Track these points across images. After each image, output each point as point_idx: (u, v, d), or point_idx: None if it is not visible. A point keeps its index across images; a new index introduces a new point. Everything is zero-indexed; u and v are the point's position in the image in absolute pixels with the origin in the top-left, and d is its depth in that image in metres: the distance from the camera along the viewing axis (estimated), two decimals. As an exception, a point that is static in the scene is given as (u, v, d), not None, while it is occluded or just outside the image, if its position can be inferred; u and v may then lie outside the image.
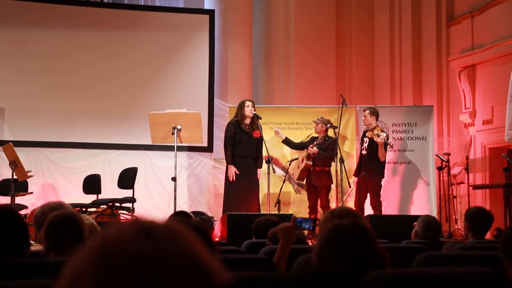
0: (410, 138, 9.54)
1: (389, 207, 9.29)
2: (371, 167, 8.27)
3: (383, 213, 8.38)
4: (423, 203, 9.34)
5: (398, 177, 9.46)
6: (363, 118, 8.55)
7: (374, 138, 8.16)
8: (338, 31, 11.39)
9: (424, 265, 2.58)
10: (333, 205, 8.65)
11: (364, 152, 8.24)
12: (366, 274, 1.31)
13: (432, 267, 2.46)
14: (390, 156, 9.46)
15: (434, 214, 8.86)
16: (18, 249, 2.27)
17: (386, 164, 8.55)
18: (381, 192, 8.47)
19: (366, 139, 8.31)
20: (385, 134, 8.22)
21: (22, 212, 8.10)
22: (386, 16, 11.15)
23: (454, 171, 9.69)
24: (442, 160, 9.33)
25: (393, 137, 9.51)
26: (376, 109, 8.63)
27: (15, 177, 7.77)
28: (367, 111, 8.47)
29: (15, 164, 7.66)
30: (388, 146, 8.16)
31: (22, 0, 9.84)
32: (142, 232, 0.88)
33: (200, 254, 0.89)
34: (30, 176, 8.02)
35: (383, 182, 8.57)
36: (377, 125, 8.53)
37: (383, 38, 11.22)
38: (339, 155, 8.23)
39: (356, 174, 8.38)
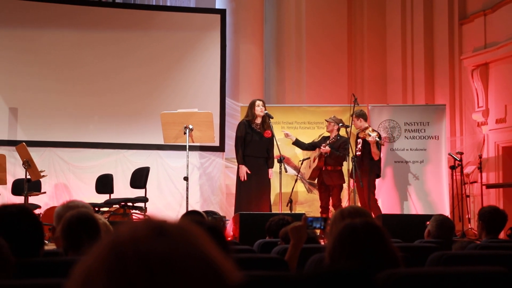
0: (422, 137, 9.50)
1: (400, 207, 9.27)
2: (365, 166, 8.33)
3: (382, 212, 8.35)
4: (435, 202, 9.29)
5: (410, 176, 9.41)
6: (351, 126, 8.50)
7: (366, 138, 8.23)
8: (350, 30, 11.36)
9: (437, 265, 2.56)
10: (345, 204, 8.63)
11: (358, 153, 8.26)
12: (379, 273, 1.30)
13: (445, 267, 2.44)
14: (403, 154, 9.43)
15: (447, 213, 8.82)
16: (33, 248, 2.29)
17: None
18: (375, 191, 8.49)
19: (359, 140, 8.37)
20: (376, 133, 8.28)
21: (36, 211, 8.14)
22: (398, 15, 11.11)
23: (467, 170, 9.64)
24: (455, 159, 9.28)
25: (405, 136, 9.48)
26: (362, 111, 8.63)
27: (28, 177, 7.81)
28: (353, 116, 8.49)
29: (28, 164, 7.70)
30: (381, 145, 8.30)
31: (35, 1, 9.89)
32: (155, 231, 0.88)
33: (212, 253, 0.89)
34: (43, 176, 8.07)
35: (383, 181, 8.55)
36: (369, 126, 8.59)
37: (395, 37, 11.18)
38: (351, 155, 8.21)
39: (352, 175, 8.36)
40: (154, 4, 11.56)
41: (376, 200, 8.47)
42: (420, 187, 9.39)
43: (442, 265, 2.57)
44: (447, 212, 8.89)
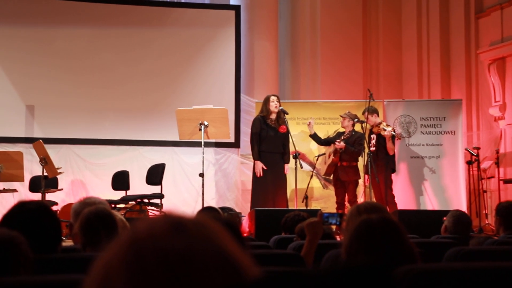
0: (439, 132, 9.45)
1: (416, 203, 9.23)
2: (380, 161, 8.28)
3: (398, 207, 8.31)
4: (452, 198, 9.24)
5: (426, 172, 9.37)
6: (366, 122, 8.39)
7: (381, 132, 8.20)
8: (365, 25, 11.31)
9: (455, 261, 2.55)
10: (360, 200, 8.60)
11: (373, 148, 8.21)
12: (397, 269, 1.30)
13: (463, 262, 2.43)
14: (419, 150, 9.38)
15: (464, 209, 8.77)
16: (51, 245, 2.31)
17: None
18: (392, 186, 8.45)
19: (373, 136, 8.31)
20: (390, 128, 8.24)
21: (53, 208, 8.20)
22: (413, 9, 11.04)
23: (484, 165, 9.57)
24: (472, 155, 9.22)
25: (421, 131, 9.43)
26: (373, 106, 8.49)
27: (45, 174, 7.87)
28: (367, 113, 8.36)
29: (45, 161, 7.76)
30: (396, 138, 8.23)
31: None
32: (173, 227, 0.89)
33: (230, 248, 0.89)
34: (60, 172, 8.12)
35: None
36: (382, 121, 8.55)
37: (410, 31, 11.11)
38: (366, 150, 8.18)
39: (367, 171, 8.31)
40: (169, 0, 11.58)
41: (393, 196, 8.42)
42: (436, 183, 9.34)
43: (459, 261, 2.55)
44: (463, 208, 8.84)
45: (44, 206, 2.40)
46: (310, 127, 8.52)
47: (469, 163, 9.27)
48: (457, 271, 1.51)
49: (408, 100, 10.03)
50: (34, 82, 9.68)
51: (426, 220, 6.56)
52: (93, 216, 2.73)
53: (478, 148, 9.33)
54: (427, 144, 9.44)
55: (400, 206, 8.54)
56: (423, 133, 9.45)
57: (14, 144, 9.23)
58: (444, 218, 4.43)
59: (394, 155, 8.52)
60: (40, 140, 8.04)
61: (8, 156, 7.94)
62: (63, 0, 9.93)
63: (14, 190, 8.25)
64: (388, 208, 7.98)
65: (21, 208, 2.33)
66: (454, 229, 4.26)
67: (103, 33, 10.00)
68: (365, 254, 1.87)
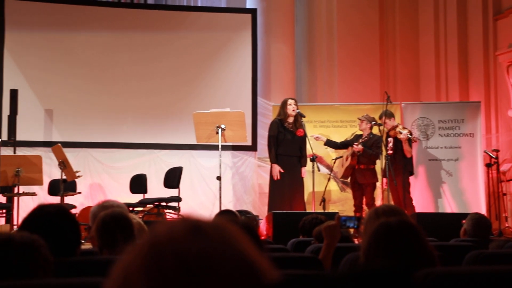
0: (457, 135, 9.38)
1: (434, 205, 9.17)
2: (398, 164, 8.24)
3: (416, 210, 8.26)
4: (470, 201, 9.17)
5: (444, 174, 9.30)
6: (384, 126, 8.36)
7: (398, 136, 8.17)
8: (381, 27, 11.27)
9: (475, 264, 2.53)
10: (378, 203, 8.56)
11: (390, 151, 8.18)
12: (416, 272, 1.29)
13: (483, 266, 2.41)
14: (437, 152, 9.32)
15: (483, 211, 8.69)
16: (71, 248, 2.32)
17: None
18: (410, 189, 8.41)
19: (390, 139, 8.28)
20: (407, 130, 8.21)
21: (72, 211, 8.25)
22: (430, 11, 10.98)
23: (503, 168, 9.48)
24: (491, 157, 9.14)
25: (439, 134, 9.37)
26: (388, 110, 8.44)
27: (64, 177, 7.92)
28: (384, 117, 8.33)
29: (64, 164, 7.82)
30: (412, 141, 8.22)
31: (69, 4, 10.04)
32: (191, 230, 0.89)
33: (249, 252, 0.89)
34: (79, 176, 8.18)
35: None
36: (398, 124, 8.52)
37: (427, 33, 11.05)
38: (384, 153, 8.15)
39: (385, 174, 8.28)
40: (185, 4, 11.63)
41: (411, 199, 8.39)
42: (455, 185, 9.28)
43: (479, 264, 2.53)
44: (483, 211, 8.76)
45: (64, 210, 2.41)
46: (321, 139, 8.50)
47: (488, 165, 9.19)
48: (477, 275, 1.50)
49: (425, 102, 9.97)
50: (52, 87, 9.76)
51: (445, 223, 6.52)
52: (109, 219, 2.75)
53: (497, 151, 9.25)
54: (445, 147, 9.37)
55: (418, 209, 8.49)
56: (441, 136, 9.39)
57: (33, 148, 9.30)
58: (463, 221, 4.39)
59: (411, 157, 8.48)
60: (59, 144, 8.10)
61: (27, 160, 8.01)
62: (81, 6, 10.03)
63: (34, 194, 8.32)
64: (406, 211, 7.93)
65: (41, 211, 2.35)
66: (473, 232, 4.22)
67: (120, 38, 10.06)
68: (384, 257, 1.86)
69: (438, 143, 9.40)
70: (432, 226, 6.25)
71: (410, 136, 8.20)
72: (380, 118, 8.41)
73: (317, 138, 8.55)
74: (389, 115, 8.46)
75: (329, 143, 8.62)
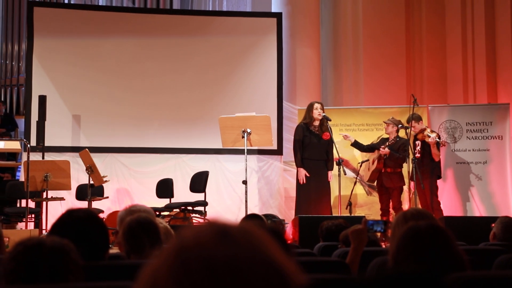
0: (485, 138, 9.26)
1: (463, 209, 9.06)
2: (425, 167, 8.17)
3: (444, 214, 8.17)
4: (499, 204, 9.04)
5: (473, 177, 9.19)
6: (411, 129, 8.29)
7: (426, 139, 8.10)
8: (408, 29, 11.18)
9: (505, 268, 2.49)
10: (405, 207, 8.49)
11: (418, 155, 8.11)
12: (446, 276, 1.27)
13: (514, 270, 2.37)
14: (465, 155, 9.22)
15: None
16: (99, 252, 2.34)
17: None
18: (438, 192, 8.32)
19: (418, 142, 8.22)
20: (435, 134, 8.13)
21: (99, 216, 8.32)
22: (457, 12, 10.86)
23: (533, 170, 9.33)
24: (520, 159, 9.01)
25: (467, 137, 9.26)
26: (416, 113, 8.36)
27: (91, 182, 8.00)
28: (412, 121, 8.25)
29: (91, 169, 7.89)
30: (440, 144, 8.14)
31: (96, 10, 10.15)
32: (218, 235, 0.89)
33: (277, 256, 0.89)
34: (106, 181, 8.24)
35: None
36: (426, 127, 8.44)
37: (455, 34, 10.93)
38: (411, 156, 8.08)
39: (412, 177, 8.21)
40: (210, 9, 11.67)
41: (439, 203, 8.31)
42: (483, 189, 9.16)
43: (509, 268, 2.49)
44: (512, 214, 8.63)
45: (93, 214, 2.43)
46: (348, 139, 8.49)
47: (517, 168, 9.05)
48: (507, 279, 1.47)
49: (453, 105, 9.87)
50: (80, 92, 9.86)
51: (474, 227, 6.43)
52: (135, 224, 2.76)
53: (526, 153, 9.11)
54: (473, 150, 9.26)
55: (446, 213, 8.40)
56: (469, 139, 9.28)
57: (61, 153, 9.41)
58: (493, 225, 4.33)
59: (439, 161, 8.41)
60: (86, 149, 8.18)
61: (55, 165, 8.10)
62: (108, 12, 10.13)
63: (62, 199, 8.41)
64: (433, 215, 7.85)
65: (70, 216, 2.37)
66: (503, 236, 4.16)
67: (146, 44, 10.14)
68: (413, 261, 1.84)
69: (466, 146, 9.29)
70: (460, 230, 6.17)
71: (438, 139, 8.13)
72: (408, 122, 8.34)
73: (345, 137, 8.53)
74: (417, 118, 8.39)
75: (356, 145, 8.60)
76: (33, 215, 8.74)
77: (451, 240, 1.95)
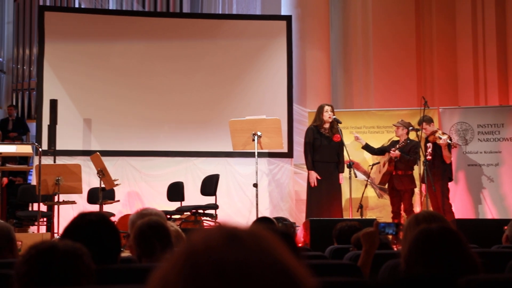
0: (497, 139, 9.21)
1: (475, 211, 9.01)
2: (437, 170, 8.13)
3: (455, 217, 8.12)
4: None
5: (484, 180, 9.14)
6: (422, 131, 8.25)
7: (437, 141, 8.07)
8: (418, 31, 11.15)
9: (518, 271, 2.47)
10: (416, 209, 8.46)
11: (429, 157, 8.08)
12: (459, 279, 1.26)
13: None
14: (477, 158, 9.17)
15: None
16: (111, 255, 2.34)
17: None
18: (449, 195, 8.28)
19: (429, 144, 8.19)
20: (446, 136, 8.09)
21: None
22: (468, 14, 10.82)
23: (545, 172, 9.27)
24: (532, 161, 8.95)
25: (478, 139, 9.22)
26: (427, 115, 8.32)
27: (102, 185, 8.02)
28: (423, 123, 8.21)
29: (102, 173, 7.91)
30: (452, 146, 8.12)
31: (106, 14, 10.19)
32: (228, 238, 0.88)
33: (287, 260, 0.88)
34: (117, 184, 8.27)
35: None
36: (437, 129, 8.40)
37: (465, 36, 10.89)
38: (422, 158, 8.05)
39: (423, 180, 8.17)
40: (220, 12, 11.69)
41: (450, 205, 8.27)
42: (495, 191, 9.10)
43: (522, 271, 2.47)
44: (525, 216, 8.57)
45: (105, 218, 2.44)
46: (359, 141, 8.48)
47: (529, 170, 9.00)
48: (521, 282, 1.46)
49: (464, 107, 9.82)
50: (91, 96, 9.90)
51: (486, 230, 6.39)
52: (146, 228, 2.77)
53: (539, 155, 9.05)
54: (484, 152, 9.21)
55: (458, 215, 8.36)
56: (481, 141, 9.23)
57: (73, 157, 9.45)
58: (505, 227, 4.30)
59: (451, 163, 8.37)
60: (97, 153, 8.21)
61: (67, 168, 8.13)
62: (118, 16, 10.17)
63: (73, 202, 8.44)
64: (445, 218, 7.80)
65: (82, 220, 2.38)
66: (516, 239, 4.13)
67: (156, 47, 10.17)
68: (425, 264, 1.82)
69: (478, 148, 9.24)
70: (472, 233, 6.14)
71: (449, 141, 8.10)
72: (419, 124, 8.31)
73: (356, 138, 8.51)
74: (428, 120, 8.36)
75: (367, 148, 8.58)
76: (45, 219, 8.78)
77: (464, 242, 1.93)
